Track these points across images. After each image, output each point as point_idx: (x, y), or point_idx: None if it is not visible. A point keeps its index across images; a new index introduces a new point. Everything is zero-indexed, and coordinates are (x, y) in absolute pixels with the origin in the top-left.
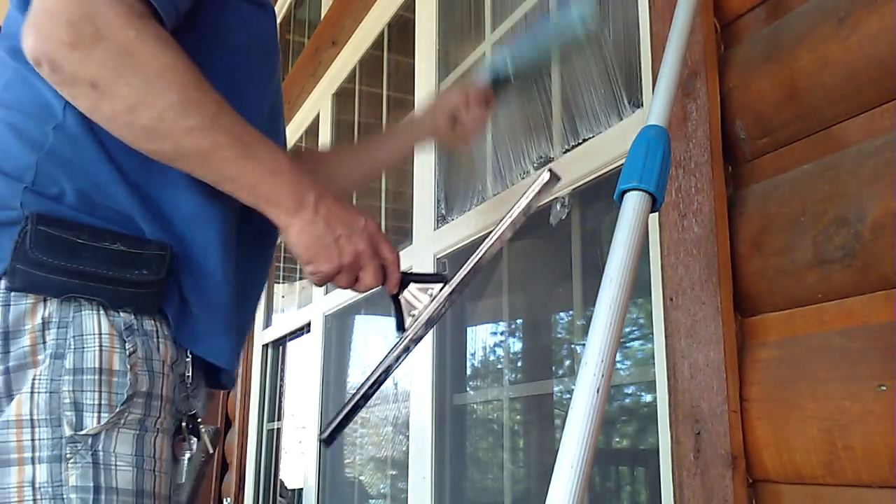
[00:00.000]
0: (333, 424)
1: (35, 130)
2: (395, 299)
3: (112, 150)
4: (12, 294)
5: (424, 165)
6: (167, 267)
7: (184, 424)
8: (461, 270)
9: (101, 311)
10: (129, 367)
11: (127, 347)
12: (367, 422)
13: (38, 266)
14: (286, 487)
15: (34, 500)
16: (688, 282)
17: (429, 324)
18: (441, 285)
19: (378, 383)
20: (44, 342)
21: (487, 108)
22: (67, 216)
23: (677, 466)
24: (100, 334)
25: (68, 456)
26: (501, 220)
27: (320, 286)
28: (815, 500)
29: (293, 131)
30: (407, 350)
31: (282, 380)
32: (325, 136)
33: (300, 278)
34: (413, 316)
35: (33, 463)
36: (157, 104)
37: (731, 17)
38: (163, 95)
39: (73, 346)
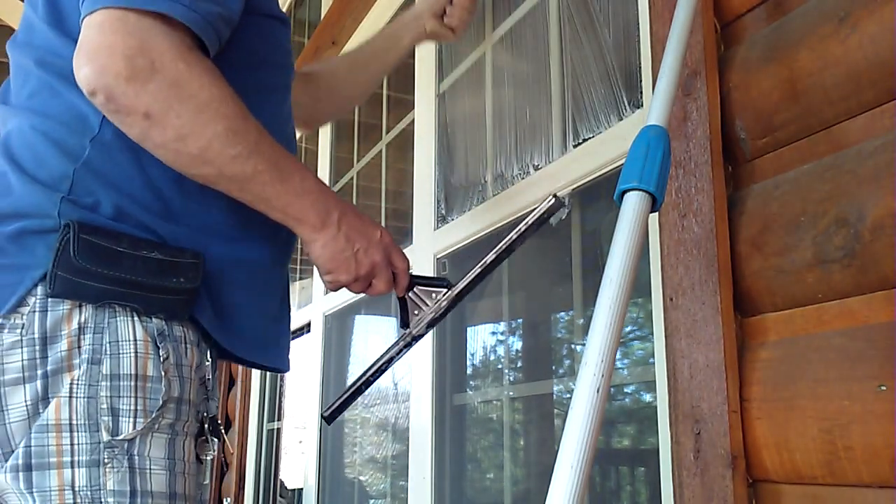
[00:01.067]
0: (335, 405)
1: (72, 141)
2: (402, 300)
3: (146, 164)
4: (50, 300)
5: (424, 165)
6: (201, 275)
7: (206, 426)
8: (462, 280)
9: (136, 317)
10: (163, 373)
11: (161, 353)
12: (367, 422)
13: (80, 273)
14: (286, 487)
15: (75, 502)
16: (688, 282)
17: (430, 324)
18: (445, 291)
19: (380, 371)
20: (79, 347)
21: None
22: (106, 225)
23: (677, 466)
24: (135, 340)
25: (106, 461)
26: (507, 237)
27: (335, 291)
28: (815, 500)
29: None
30: (409, 346)
31: (282, 380)
32: (325, 136)
33: (300, 278)
34: (416, 315)
35: (73, 467)
36: (205, 134)
37: (731, 17)
38: (210, 126)
39: (109, 352)
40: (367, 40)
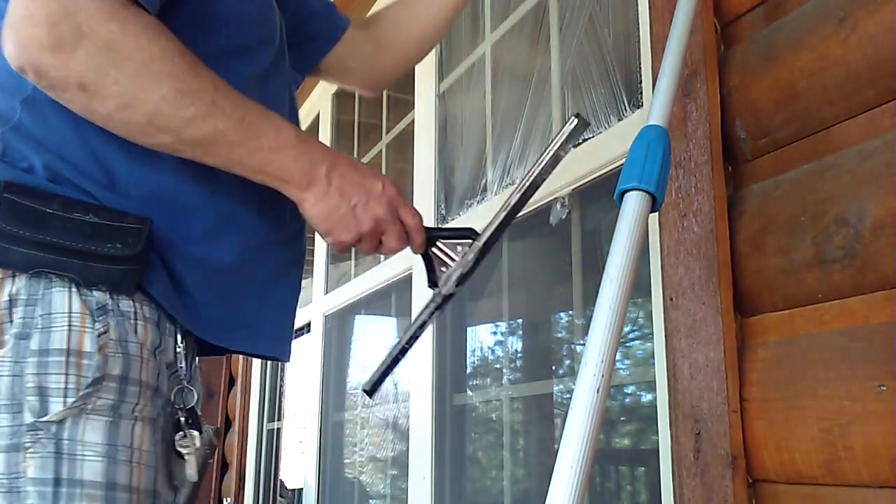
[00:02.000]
0: (375, 378)
1: (3, 103)
2: (425, 256)
3: (84, 128)
4: None
5: (424, 165)
6: (143, 242)
7: (182, 419)
8: (489, 225)
9: (74, 289)
10: (97, 347)
11: (97, 327)
12: (367, 422)
13: (3, 237)
14: (286, 487)
15: None
16: (688, 282)
17: (460, 281)
18: (470, 242)
19: (414, 338)
20: (11, 321)
21: None
22: (38, 185)
23: (677, 466)
24: (69, 313)
25: (28, 444)
26: (530, 171)
27: (343, 254)
28: (815, 500)
29: None
30: (440, 307)
31: (282, 380)
32: (325, 136)
33: None
34: (443, 272)
35: None
36: (151, 99)
37: (731, 17)
38: (154, 89)
39: (40, 326)
40: None
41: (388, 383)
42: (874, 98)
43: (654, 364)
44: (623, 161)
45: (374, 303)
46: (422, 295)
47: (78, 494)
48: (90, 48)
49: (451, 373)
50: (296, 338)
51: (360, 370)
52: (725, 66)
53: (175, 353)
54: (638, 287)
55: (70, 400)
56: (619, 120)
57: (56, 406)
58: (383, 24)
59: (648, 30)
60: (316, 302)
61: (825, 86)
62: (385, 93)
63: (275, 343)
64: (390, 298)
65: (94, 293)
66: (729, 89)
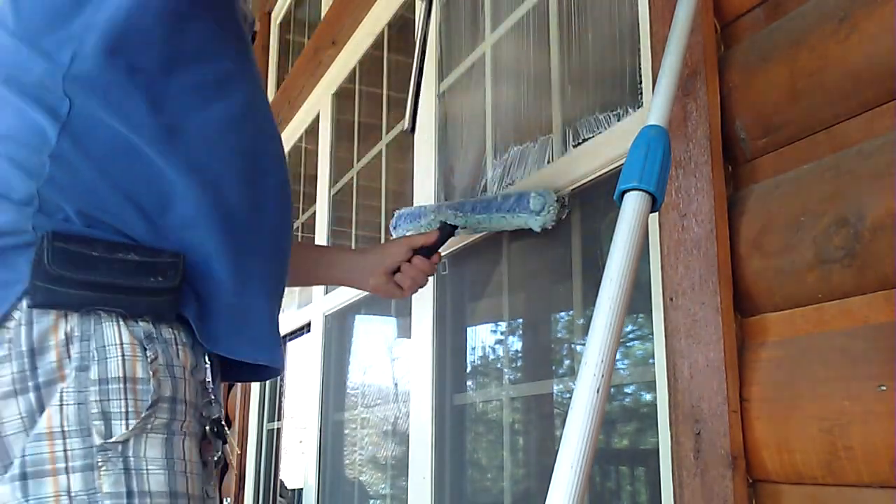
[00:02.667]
0: (410, 114)
1: (32, 160)
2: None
3: (109, 170)
4: (35, 312)
5: (424, 165)
6: (181, 274)
7: (208, 429)
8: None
9: (121, 322)
10: (151, 373)
11: (148, 355)
12: (367, 422)
13: (57, 281)
14: (286, 487)
15: None
16: (688, 282)
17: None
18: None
19: (422, 62)
20: (69, 356)
21: (431, 265)
22: (80, 232)
23: (677, 466)
24: (121, 344)
25: (100, 464)
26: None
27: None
28: (815, 500)
29: (293, 131)
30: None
31: (282, 380)
32: (325, 136)
33: None
34: None
35: (67, 473)
36: None
37: (731, 17)
38: None
39: (96, 358)
40: (326, 248)
41: (388, 383)
42: (874, 98)
43: (654, 364)
44: (623, 161)
45: (374, 303)
46: (422, 295)
47: (148, 503)
48: None
49: (451, 373)
50: (296, 338)
51: (360, 370)
52: (725, 66)
53: (205, 370)
54: (638, 287)
55: (132, 422)
56: (619, 120)
57: (119, 428)
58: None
59: (648, 30)
60: (316, 302)
61: (825, 86)
62: (385, 93)
63: (269, 350)
64: (390, 298)
65: (140, 324)
66: (729, 89)
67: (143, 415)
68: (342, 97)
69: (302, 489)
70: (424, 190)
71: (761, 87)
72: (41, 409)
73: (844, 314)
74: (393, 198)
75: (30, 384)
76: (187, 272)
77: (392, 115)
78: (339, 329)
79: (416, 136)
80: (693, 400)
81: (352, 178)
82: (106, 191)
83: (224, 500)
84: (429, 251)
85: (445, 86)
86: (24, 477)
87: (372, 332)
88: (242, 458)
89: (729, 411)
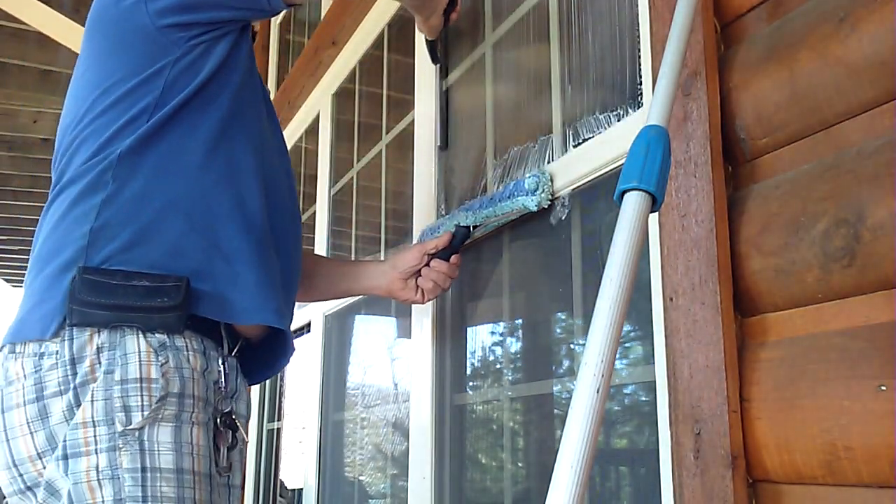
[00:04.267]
0: (432, 54)
1: (91, 200)
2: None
3: (145, 211)
4: (74, 329)
5: (424, 165)
6: (183, 294)
7: (218, 420)
8: None
9: (140, 335)
10: (161, 374)
11: (160, 359)
12: (367, 422)
13: (87, 305)
14: (286, 487)
15: (98, 480)
16: (688, 282)
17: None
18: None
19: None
20: (100, 363)
21: (451, 267)
22: (104, 266)
23: (677, 466)
24: (139, 352)
25: (121, 446)
26: None
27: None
28: (815, 500)
29: (293, 131)
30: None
31: (282, 380)
32: (325, 136)
33: None
34: None
35: (96, 453)
36: None
37: (731, 17)
38: None
39: (120, 363)
40: (344, 262)
41: (388, 383)
42: (874, 98)
43: (654, 364)
44: (623, 161)
45: (374, 303)
46: None
47: (158, 477)
48: None
49: (451, 373)
50: (296, 338)
51: (360, 370)
52: (725, 66)
53: (218, 372)
54: (638, 287)
55: (146, 412)
56: (619, 120)
57: (136, 417)
58: (307, 268)
59: (648, 30)
60: (316, 302)
61: (825, 86)
62: (385, 93)
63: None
64: (390, 300)
65: (156, 335)
66: (729, 89)
67: (153, 406)
68: (342, 97)
69: (302, 489)
70: (424, 190)
71: (761, 87)
72: (78, 404)
73: (844, 314)
74: (393, 198)
75: (70, 385)
76: (218, 275)
77: (392, 115)
78: (339, 329)
79: (416, 136)
80: (693, 400)
81: (352, 178)
82: (142, 225)
83: None
84: (446, 254)
85: (446, 85)
86: (65, 457)
87: (372, 332)
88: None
89: (729, 411)
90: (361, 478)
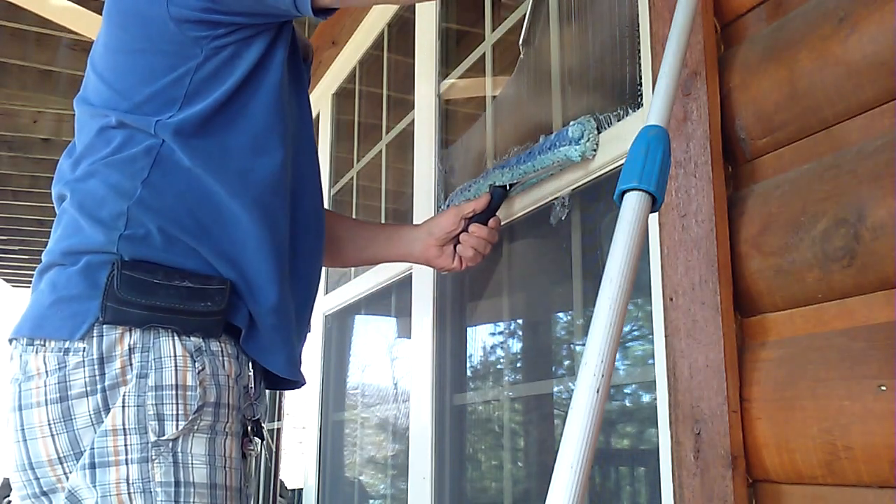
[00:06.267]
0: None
1: (127, 184)
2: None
3: (188, 199)
4: (105, 326)
5: (424, 165)
6: (227, 298)
7: (249, 428)
8: None
9: (175, 337)
10: (198, 382)
11: (196, 366)
12: (367, 422)
13: (124, 303)
14: (286, 487)
15: (129, 493)
16: (688, 282)
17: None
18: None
19: None
20: (131, 365)
21: (490, 231)
22: (147, 258)
23: (677, 466)
24: (174, 356)
25: (153, 457)
26: None
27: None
28: (815, 500)
29: None
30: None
31: None
32: (325, 136)
33: None
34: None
35: (127, 464)
36: None
37: (731, 17)
38: None
39: (153, 367)
40: (374, 225)
41: (388, 383)
42: (874, 98)
43: (654, 364)
44: (623, 161)
45: (374, 303)
46: (422, 295)
47: (192, 493)
48: None
49: (451, 373)
50: None
51: (360, 370)
52: (725, 66)
53: (249, 377)
54: (638, 287)
55: (181, 423)
56: (619, 120)
57: (170, 428)
58: (337, 230)
59: (648, 30)
60: (316, 302)
61: (825, 86)
62: (385, 93)
63: (290, 373)
64: (390, 298)
65: (192, 339)
66: (729, 89)
67: (190, 417)
68: (342, 97)
69: (302, 489)
70: (424, 190)
71: (761, 87)
72: (107, 408)
73: (844, 314)
74: (393, 198)
75: (98, 387)
76: (242, 293)
77: (392, 115)
78: (339, 329)
79: (416, 136)
80: (693, 400)
81: (352, 178)
82: (183, 214)
83: None
84: (483, 217)
85: (446, 85)
86: (92, 466)
87: (372, 332)
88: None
89: (729, 411)
90: (361, 478)
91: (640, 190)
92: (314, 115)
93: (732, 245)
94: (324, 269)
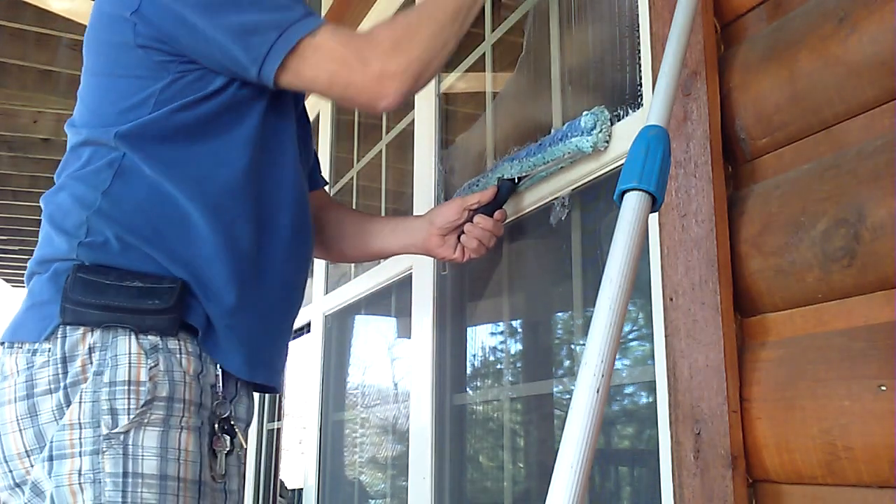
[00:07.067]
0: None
1: (90, 195)
2: None
3: (147, 208)
4: (67, 327)
5: (424, 165)
6: (176, 297)
7: (216, 426)
8: None
9: (133, 336)
10: (149, 377)
11: (149, 362)
12: (367, 422)
13: (79, 304)
14: (286, 487)
15: (80, 483)
16: (688, 282)
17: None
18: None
19: None
20: (91, 363)
21: (496, 223)
22: (104, 262)
23: (677, 466)
24: (129, 353)
25: (104, 450)
26: None
27: None
28: (815, 500)
29: None
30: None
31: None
32: (325, 136)
33: None
34: None
35: (80, 456)
36: (431, 48)
37: (731, 17)
38: (425, 48)
39: (109, 364)
40: (375, 218)
41: (388, 383)
42: (874, 98)
43: (654, 364)
44: (623, 161)
45: (374, 303)
46: (422, 295)
47: (140, 483)
48: (405, 45)
49: (451, 373)
50: (296, 338)
51: (360, 370)
52: (725, 66)
53: (216, 376)
54: (638, 287)
55: (132, 416)
56: (618, 120)
57: (122, 421)
58: (327, 224)
59: (648, 30)
60: (316, 302)
61: (825, 86)
62: None
63: (281, 377)
64: (390, 298)
65: (149, 337)
66: (729, 89)
67: (138, 410)
68: None
69: (302, 489)
70: (424, 190)
71: (761, 87)
72: (68, 404)
73: (844, 314)
74: (393, 198)
75: (61, 384)
76: (198, 294)
77: (392, 115)
78: (339, 329)
79: (416, 136)
80: (693, 400)
81: (352, 178)
82: (140, 222)
83: None
84: (489, 209)
85: (446, 86)
86: (50, 459)
87: (372, 332)
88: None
89: (729, 411)
90: (361, 478)
91: (640, 190)
92: (314, 115)
93: (732, 245)
94: (323, 269)
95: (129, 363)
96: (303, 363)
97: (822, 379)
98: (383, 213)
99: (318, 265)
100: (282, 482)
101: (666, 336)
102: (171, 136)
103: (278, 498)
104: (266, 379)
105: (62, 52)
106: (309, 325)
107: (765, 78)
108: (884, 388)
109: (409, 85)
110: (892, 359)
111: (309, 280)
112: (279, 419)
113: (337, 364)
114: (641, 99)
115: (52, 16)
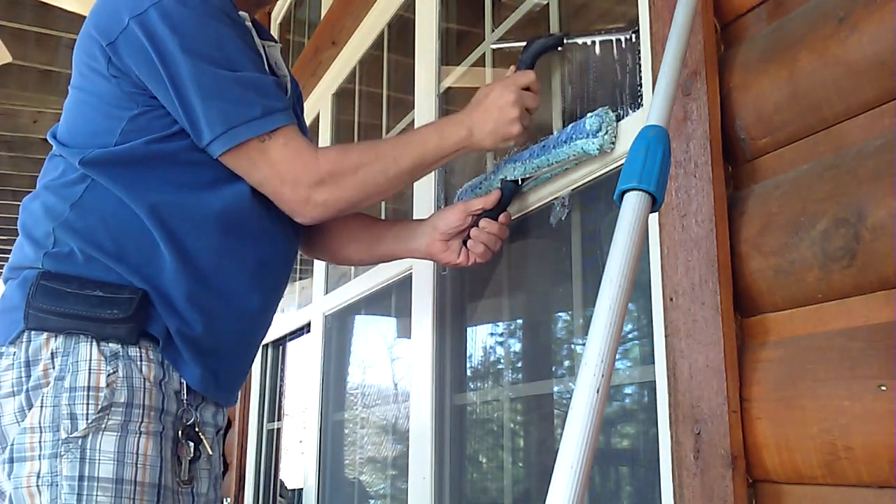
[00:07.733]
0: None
1: (58, 207)
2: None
3: (111, 223)
4: (32, 332)
5: None
6: (135, 307)
7: (179, 432)
8: None
9: (94, 343)
10: (107, 384)
11: (108, 369)
12: (367, 422)
13: (41, 310)
14: (286, 487)
15: (37, 486)
16: (688, 282)
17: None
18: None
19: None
20: (53, 367)
21: (501, 227)
22: (68, 272)
23: (677, 466)
24: (90, 360)
25: (62, 453)
26: None
27: (521, 138)
28: (815, 500)
29: None
30: None
31: (282, 380)
32: (325, 136)
33: (300, 278)
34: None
35: (39, 459)
36: (379, 184)
37: (731, 17)
38: (376, 182)
39: (70, 370)
40: (377, 223)
41: (388, 383)
42: (874, 98)
43: (654, 364)
44: (623, 161)
45: (374, 303)
46: (422, 294)
47: (95, 486)
48: (341, 182)
49: (451, 373)
50: (296, 338)
51: (360, 370)
52: (725, 66)
53: (180, 383)
54: (638, 287)
55: (89, 422)
56: (619, 120)
57: (81, 426)
58: (333, 227)
59: (648, 30)
60: (316, 302)
61: (825, 86)
62: (385, 93)
63: (233, 397)
64: (390, 298)
65: (110, 344)
66: (729, 89)
67: (95, 416)
68: (342, 97)
69: (302, 489)
70: (424, 190)
71: (761, 87)
72: (29, 407)
73: (844, 314)
74: (393, 198)
75: (24, 387)
76: (158, 307)
77: (392, 115)
78: (339, 329)
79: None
80: (693, 400)
81: None
82: (104, 237)
83: (224, 499)
84: (493, 213)
85: (446, 85)
86: (11, 461)
87: (372, 332)
88: (242, 458)
89: (729, 411)
90: (361, 478)
91: (640, 190)
92: (314, 114)
93: (732, 245)
94: (323, 269)
95: (90, 369)
96: (303, 363)
97: (822, 379)
98: (383, 214)
99: (318, 265)
100: (282, 482)
101: (666, 336)
102: (134, 164)
103: (278, 498)
104: (218, 398)
105: (62, 52)
106: (309, 325)
107: (765, 78)
108: (884, 388)
109: (330, 215)
110: (891, 359)
111: (309, 280)
112: (279, 419)
113: (337, 364)
114: (641, 99)
115: (52, 16)
